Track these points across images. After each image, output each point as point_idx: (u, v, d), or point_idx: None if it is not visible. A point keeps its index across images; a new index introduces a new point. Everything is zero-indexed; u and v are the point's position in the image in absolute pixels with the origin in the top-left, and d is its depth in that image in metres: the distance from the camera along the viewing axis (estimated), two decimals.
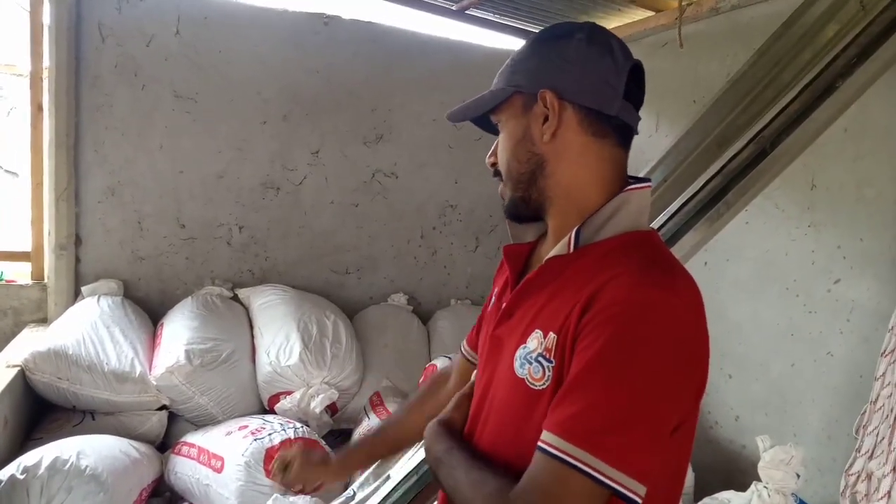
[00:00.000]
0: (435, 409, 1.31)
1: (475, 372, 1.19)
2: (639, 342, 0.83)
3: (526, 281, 1.02)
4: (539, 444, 0.84)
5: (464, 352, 1.37)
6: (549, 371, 0.92)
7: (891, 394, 2.11)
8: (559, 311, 0.93)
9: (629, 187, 1.00)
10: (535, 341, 0.95)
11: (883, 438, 2.11)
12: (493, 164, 1.11)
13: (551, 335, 0.92)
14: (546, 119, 0.99)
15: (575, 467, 0.80)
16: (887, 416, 2.11)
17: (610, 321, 0.84)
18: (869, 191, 2.41)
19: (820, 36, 1.88)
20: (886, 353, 2.14)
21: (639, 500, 0.80)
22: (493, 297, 1.19)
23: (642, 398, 0.82)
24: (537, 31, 1.09)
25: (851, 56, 1.84)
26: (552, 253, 0.99)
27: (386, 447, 1.49)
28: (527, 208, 1.06)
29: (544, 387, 0.92)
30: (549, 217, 1.05)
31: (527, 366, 0.95)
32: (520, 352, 0.97)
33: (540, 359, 0.93)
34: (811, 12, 1.92)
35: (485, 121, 1.13)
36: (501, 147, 1.08)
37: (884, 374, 2.14)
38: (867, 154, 2.41)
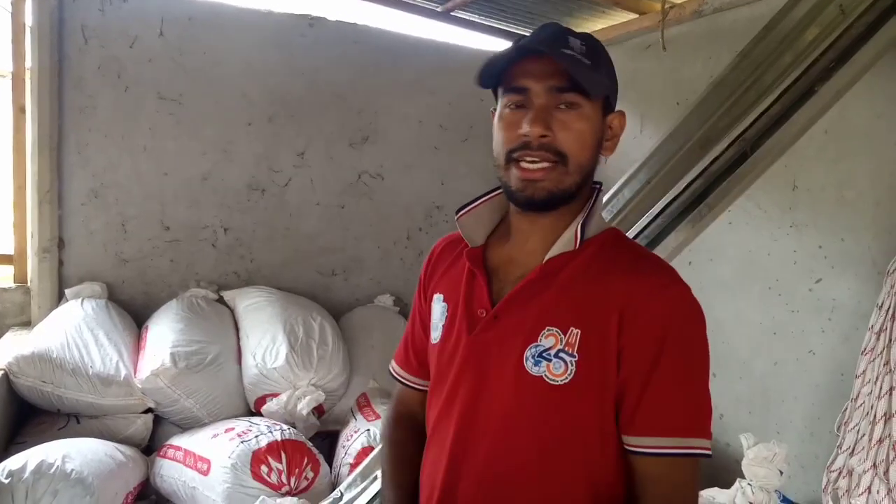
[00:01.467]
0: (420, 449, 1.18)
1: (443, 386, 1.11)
2: (693, 337, 0.98)
3: (526, 283, 1.02)
4: (653, 451, 0.95)
5: (405, 381, 1.27)
6: (571, 365, 0.96)
7: (871, 391, 2.14)
8: (577, 307, 0.98)
9: (599, 189, 1.08)
10: (551, 338, 0.97)
11: (864, 435, 2.15)
12: (544, 137, 0.96)
13: (573, 330, 0.96)
14: (610, 135, 1.06)
15: (699, 454, 0.95)
16: (868, 413, 2.14)
17: (666, 328, 0.95)
18: (849, 192, 2.44)
19: (800, 39, 1.91)
20: (866, 351, 2.17)
21: None
22: (443, 303, 1.13)
23: (706, 379, 0.99)
24: (522, 32, 1.09)
25: (831, 59, 1.87)
26: (553, 253, 1.01)
27: None
28: (570, 198, 1.01)
29: (566, 381, 0.96)
30: (552, 215, 1.03)
31: (544, 363, 0.97)
32: (531, 350, 0.98)
33: (561, 354, 0.96)
34: (792, 16, 1.95)
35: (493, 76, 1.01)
36: (581, 135, 0.98)
37: (864, 371, 2.17)
38: (847, 156, 2.44)
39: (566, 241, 1.01)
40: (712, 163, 1.91)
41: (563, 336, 0.96)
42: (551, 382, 0.96)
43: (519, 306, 1.01)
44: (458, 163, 4.02)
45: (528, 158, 0.97)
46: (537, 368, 0.97)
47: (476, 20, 3.79)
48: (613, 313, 0.95)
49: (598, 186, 1.08)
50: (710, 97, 2.02)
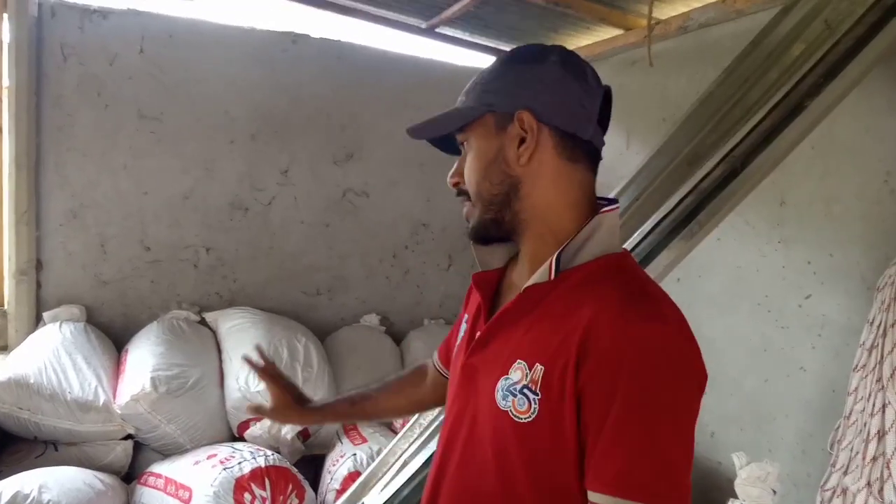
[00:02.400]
0: (410, 400, 1.45)
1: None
2: (657, 383, 0.83)
3: (503, 311, 0.99)
4: None
5: (436, 366, 1.38)
6: (535, 404, 0.89)
7: (863, 409, 2.12)
8: (545, 342, 0.91)
9: (602, 210, 0.98)
10: (518, 372, 0.92)
11: (857, 453, 2.12)
12: (457, 184, 1.09)
13: (538, 367, 0.90)
14: (522, 140, 0.97)
15: None
16: (861, 430, 2.11)
17: (621, 369, 0.83)
18: (837, 207, 2.43)
19: (786, 55, 1.91)
20: (858, 367, 2.15)
21: None
22: (465, 324, 1.15)
23: (675, 434, 0.84)
24: (506, 49, 1.08)
25: (819, 75, 1.86)
26: (531, 281, 0.96)
27: (354, 417, 1.79)
28: (497, 230, 1.03)
29: (530, 419, 0.90)
30: (523, 241, 1.03)
31: (510, 398, 0.92)
32: (501, 383, 0.94)
33: (525, 391, 0.91)
34: (777, 31, 1.95)
35: (443, 140, 1.10)
36: (469, 167, 1.04)
37: (856, 388, 2.15)
38: (834, 171, 2.44)
39: (543, 272, 0.95)
40: (702, 179, 1.88)
41: (528, 371, 0.91)
42: (515, 419, 0.91)
43: (500, 334, 0.99)
44: (444, 180, 3.95)
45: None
46: (505, 402, 0.93)
47: (460, 36, 3.78)
48: (573, 350, 0.86)
49: (602, 205, 1.00)
50: (697, 113, 2.01)
